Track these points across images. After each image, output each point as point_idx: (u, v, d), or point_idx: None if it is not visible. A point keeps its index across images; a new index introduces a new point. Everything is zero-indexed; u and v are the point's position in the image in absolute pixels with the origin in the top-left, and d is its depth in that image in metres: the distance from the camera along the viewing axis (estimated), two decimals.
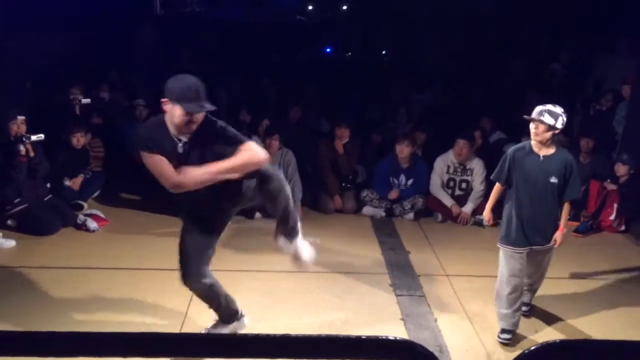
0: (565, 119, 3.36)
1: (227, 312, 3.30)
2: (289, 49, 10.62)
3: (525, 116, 3.47)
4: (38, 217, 4.97)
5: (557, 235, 3.52)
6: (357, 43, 11.94)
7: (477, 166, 5.90)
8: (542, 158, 3.44)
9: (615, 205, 5.71)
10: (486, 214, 3.96)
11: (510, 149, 3.63)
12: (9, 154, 4.89)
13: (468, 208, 5.79)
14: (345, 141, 6.20)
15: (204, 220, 3.07)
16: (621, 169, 5.73)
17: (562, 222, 3.53)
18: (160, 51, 8.99)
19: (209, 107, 2.77)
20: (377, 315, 3.82)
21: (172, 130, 2.80)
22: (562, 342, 1.30)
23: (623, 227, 5.72)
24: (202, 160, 2.83)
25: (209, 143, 2.84)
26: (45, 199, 5.21)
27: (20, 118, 5.07)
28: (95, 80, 7.55)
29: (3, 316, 3.54)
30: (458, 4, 9.72)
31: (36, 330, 1.11)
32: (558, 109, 3.34)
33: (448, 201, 5.85)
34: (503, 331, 3.54)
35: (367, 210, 5.99)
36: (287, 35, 11.24)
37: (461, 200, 5.86)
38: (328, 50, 12.70)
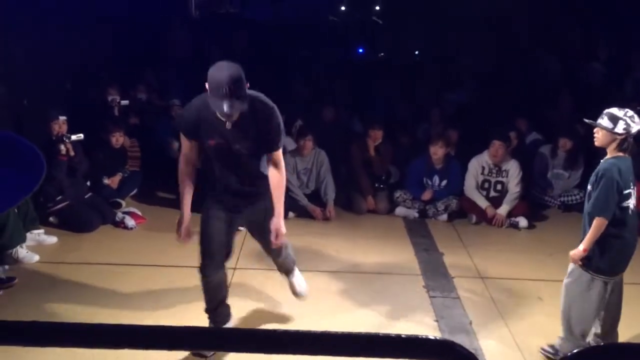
0: (630, 123, 3.00)
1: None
2: (321, 49, 10.64)
3: (585, 119, 3.21)
4: (79, 214, 5.10)
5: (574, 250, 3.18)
6: (390, 43, 11.89)
7: (512, 167, 5.81)
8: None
9: None
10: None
11: None
12: (50, 153, 5.03)
13: (503, 210, 5.70)
14: (378, 142, 6.19)
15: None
16: None
17: (584, 241, 3.12)
18: (194, 51, 9.13)
19: (233, 109, 2.72)
20: (410, 317, 3.80)
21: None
22: (606, 345, 1.28)
23: None
24: (245, 141, 2.92)
25: (255, 126, 2.91)
26: (86, 196, 5.34)
27: (62, 118, 5.22)
28: (132, 81, 7.70)
29: (45, 310, 3.65)
30: (492, 3, 9.59)
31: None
32: (621, 112, 3.04)
33: (483, 203, 5.78)
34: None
35: (400, 211, 5.97)
36: (320, 36, 11.27)
37: (496, 202, 5.78)
38: (360, 50, 12.67)
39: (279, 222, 3.07)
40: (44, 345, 1.12)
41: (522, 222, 5.70)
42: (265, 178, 3.08)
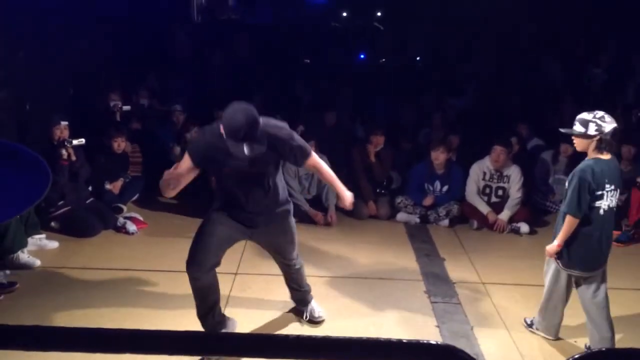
0: (601, 124, 3.15)
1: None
2: (323, 54, 10.67)
3: (561, 129, 3.42)
4: (80, 219, 5.11)
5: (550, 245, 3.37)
6: (391, 49, 11.92)
7: (513, 173, 5.81)
8: None
9: None
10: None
11: None
12: (52, 158, 5.04)
13: (504, 215, 5.70)
14: (380, 147, 6.19)
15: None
16: None
17: (558, 237, 3.29)
18: (196, 56, 9.15)
19: (249, 152, 2.78)
20: (411, 322, 3.80)
21: None
22: (607, 350, 1.28)
23: None
24: (265, 166, 3.01)
25: (275, 152, 3.00)
26: (87, 201, 5.35)
27: (64, 123, 5.23)
28: (134, 86, 7.72)
29: (46, 314, 3.65)
30: (493, 7, 9.62)
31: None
32: (590, 115, 3.19)
33: (484, 208, 5.78)
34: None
35: (401, 216, 5.97)
36: (322, 41, 11.30)
37: (497, 208, 5.78)
38: (362, 56, 12.70)
39: (345, 196, 3.33)
40: (45, 350, 1.12)
41: (524, 227, 5.70)
42: (281, 201, 3.19)
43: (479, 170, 5.89)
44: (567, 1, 9.32)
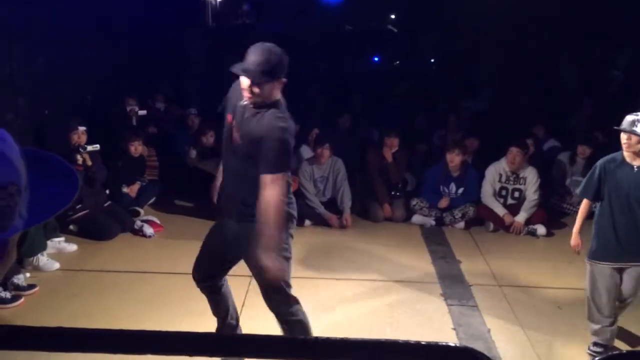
0: None
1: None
2: (337, 58, 10.70)
3: (616, 127, 3.32)
4: (98, 222, 5.16)
5: None
6: (405, 51, 11.91)
7: (530, 175, 5.77)
8: (636, 169, 3.27)
9: None
10: (574, 239, 3.59)
11: (600, 161, 3.42)
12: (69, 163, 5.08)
13: (521, 217, 5.66)
14: (395, 150, 6.19)
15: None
16: None
17: None
18: (210, 61, 9.22)
19: (243, 70, 2.62)
20: (428, 325, 3.78)
21: None
22: (629, 352, 1.27)
23: None
24: (242, 139, 2.68)
25: (256, 131, 2.64)
26: (105, 205, 5.40)
27: (81, 128, 5.29)
28: (150, 91, 7.79)
29: (65, 316, 3.69)
30: (509, 8, 9.57)
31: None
32: None
33: (500, 210, 5.74)
34: (595, 344, 3.38)
35: (416, 218, 5.95)
36: (336, 45, 11.32)
37: (514, 210, 5.74)
38: (376, 59, 12.71)
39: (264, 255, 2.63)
40: (68, 351, 1.14)
41: (540, 229, 5.65)
42: (250, 203, 2.67)
43: (495, 172, 5.85)
44: (583, 3, 9.26)
